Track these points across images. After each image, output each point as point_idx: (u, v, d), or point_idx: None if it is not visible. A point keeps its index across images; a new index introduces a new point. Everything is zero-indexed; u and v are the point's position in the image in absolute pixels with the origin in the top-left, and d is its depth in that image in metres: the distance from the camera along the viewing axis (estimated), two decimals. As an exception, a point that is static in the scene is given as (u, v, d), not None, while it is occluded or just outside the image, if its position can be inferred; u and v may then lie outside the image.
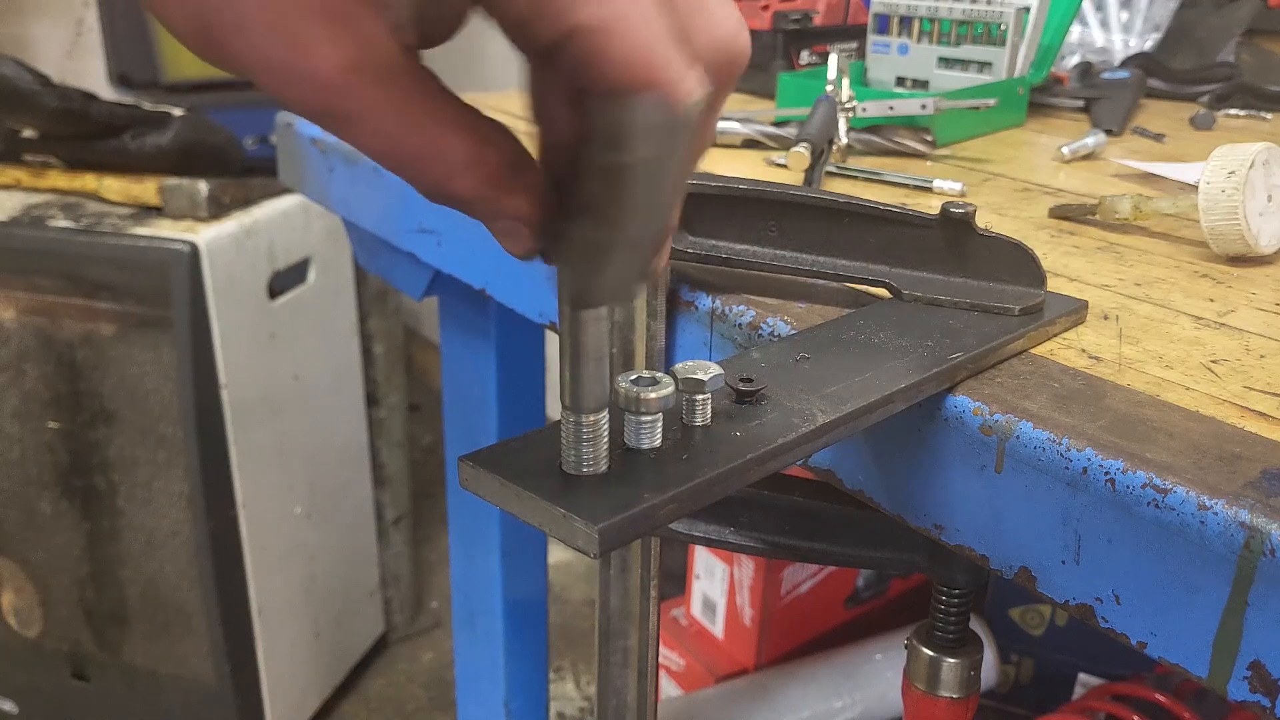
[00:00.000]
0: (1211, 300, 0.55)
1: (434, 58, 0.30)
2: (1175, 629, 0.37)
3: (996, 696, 1.29)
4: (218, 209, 1.35)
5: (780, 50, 1.01)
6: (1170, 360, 0.47)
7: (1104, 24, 1.22)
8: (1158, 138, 0.92)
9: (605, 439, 0.33)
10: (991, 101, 0.83)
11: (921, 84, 0.93)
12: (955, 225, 0.50)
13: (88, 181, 1.39)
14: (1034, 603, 1.26)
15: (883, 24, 0.94)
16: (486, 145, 0.30)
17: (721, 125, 0.83)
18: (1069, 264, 0.59)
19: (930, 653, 0.56)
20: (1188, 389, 0.44)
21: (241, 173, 1.44)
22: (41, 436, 1.39)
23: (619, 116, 0.27)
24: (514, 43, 0.28)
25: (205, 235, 1.30)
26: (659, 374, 0.34)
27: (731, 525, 0.57)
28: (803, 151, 0.72)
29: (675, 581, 1.41)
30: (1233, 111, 1.04)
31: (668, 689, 1.33)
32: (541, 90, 0.31)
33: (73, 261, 1.32)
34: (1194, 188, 0.62)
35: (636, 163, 0.28)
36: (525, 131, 0.32)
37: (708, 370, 0.37)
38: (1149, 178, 0.78)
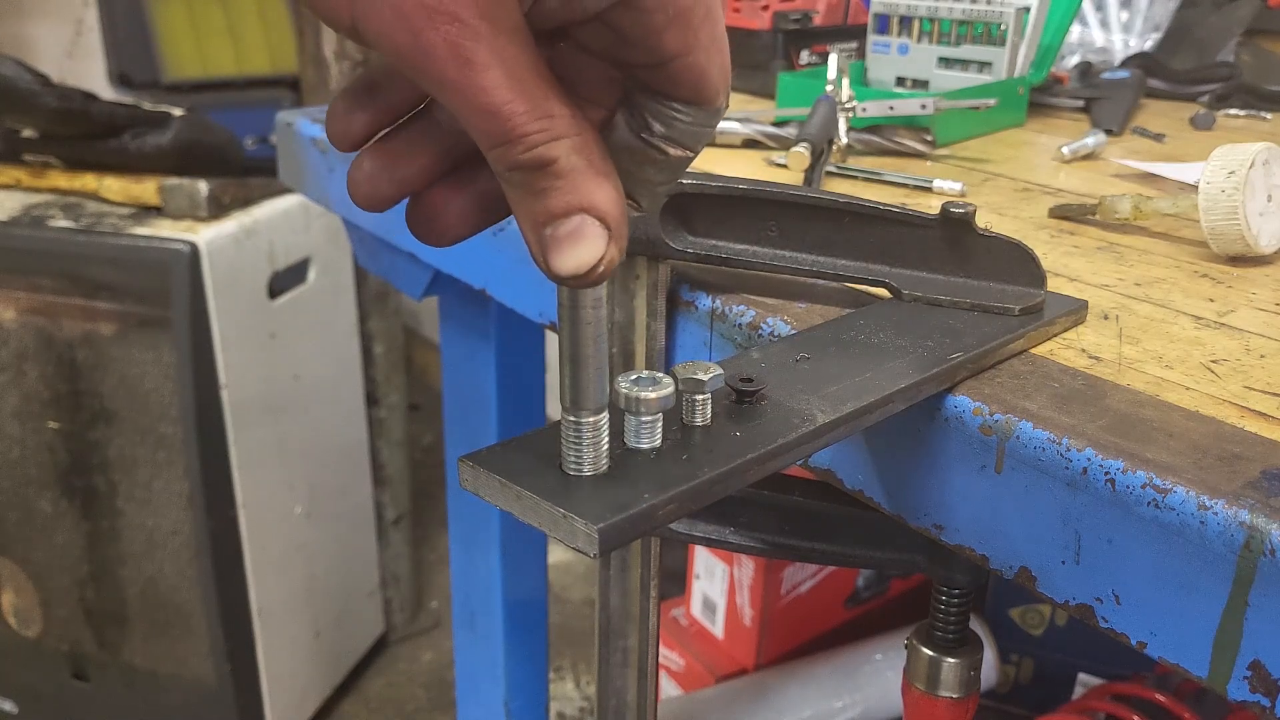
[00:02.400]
0: (1211, 300, 0.55)
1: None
2: (1175, 629, 0.37)
3: (996, 696, 1.29)
4: (218, 209, 1.35)
5: (780, 50, 1.01)
6: (1170, 360, 0.47)
7: (1104, 24, 1.22)
8: (1158, 138, 0.92)
9: (605, 439, 0.33)
10: (991, 101, 0.83)
11: (921, 84, 0.93)
12: (955, 225, 0.50)
13: (88, 181, 1.39)
14: (1034, 603, 1.26)
15: (883, 24, 0.94)
16: (583, 120, 0.30)
17: (722, 125, 0.83)
18: (1069, 264, 0.59)
19: (930, 653, 0.56)
20: (1188, 389, 0.44)
21: (241, 173, 1.44)
22: (41, 436, 1.39)
23: (705, 121, 0.33)
24: (619, 51, 0.31)
25: (205, 235, 1.30)
26: (659, 374, 0.34)
27: (731, 525, 0.57)
28: (803, 151, 0.72)
29: (675, 581, 1.41)
30: (1233, 111, 1.04)
31: (668, 689, 1.33)
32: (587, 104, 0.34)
33: (73, 261, 1.32)
34: (1194, 188, 0.62)
35: (698, 152, 0.34)
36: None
37: (708, 370, 0.37)
38: (1149, 178, 0.78)
